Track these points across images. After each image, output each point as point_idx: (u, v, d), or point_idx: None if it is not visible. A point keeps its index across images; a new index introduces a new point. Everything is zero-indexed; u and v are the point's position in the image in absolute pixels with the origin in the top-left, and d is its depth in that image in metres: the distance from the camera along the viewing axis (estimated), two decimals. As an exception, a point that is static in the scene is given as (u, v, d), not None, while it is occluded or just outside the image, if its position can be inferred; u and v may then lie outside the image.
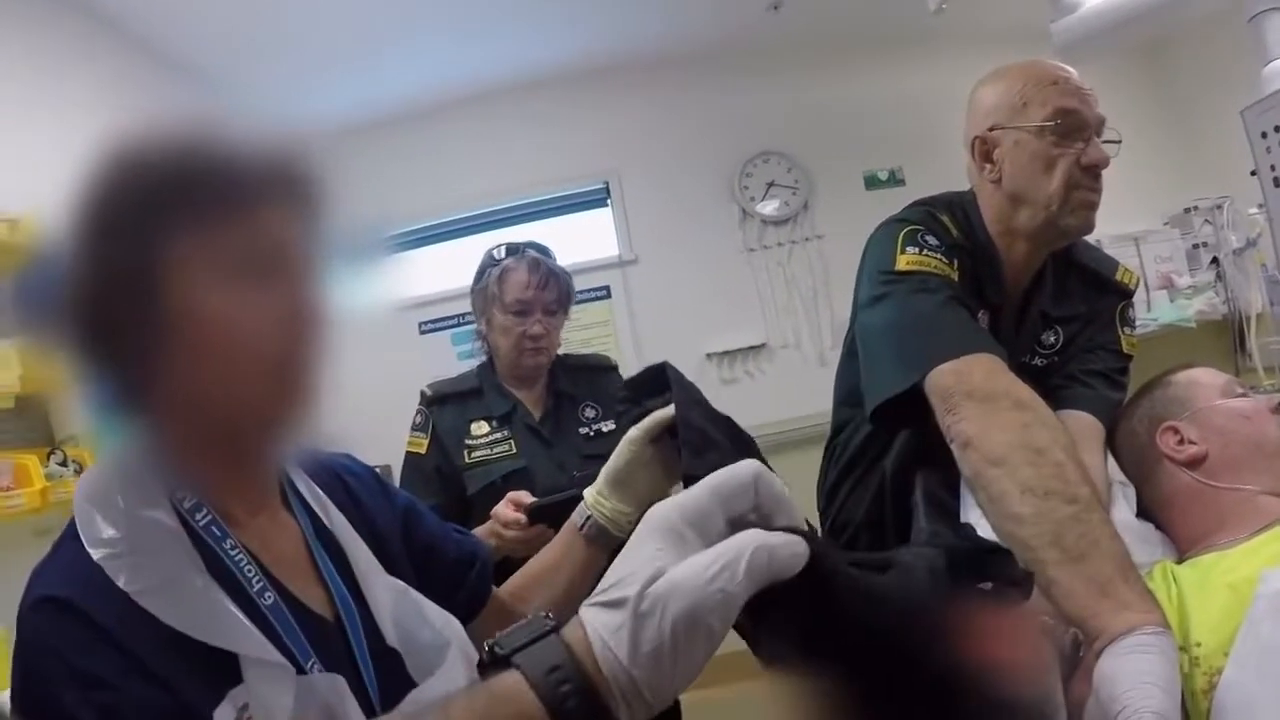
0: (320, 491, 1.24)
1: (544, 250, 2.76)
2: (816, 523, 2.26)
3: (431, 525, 1.43)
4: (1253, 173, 2.10)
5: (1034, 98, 1.84)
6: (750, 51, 5.81)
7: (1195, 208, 5.02)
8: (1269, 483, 1.63)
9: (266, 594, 1.03)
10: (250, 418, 1.02)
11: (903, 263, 1.84)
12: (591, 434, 2.74)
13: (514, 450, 2.63)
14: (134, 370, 0.97)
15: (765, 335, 5.76)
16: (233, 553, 1.03)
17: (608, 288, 5.74)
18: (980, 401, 1.59)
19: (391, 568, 1.23)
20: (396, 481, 2.56)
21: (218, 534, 1.03)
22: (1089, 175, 1.83)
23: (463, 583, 1.39)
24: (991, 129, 1.90)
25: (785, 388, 5.55)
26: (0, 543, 2.74)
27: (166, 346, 0.96)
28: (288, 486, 1.21)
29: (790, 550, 0.68)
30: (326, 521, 1.21)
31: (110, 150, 0.98)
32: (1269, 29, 2.07)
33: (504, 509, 2.21)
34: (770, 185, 5.86)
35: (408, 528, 1.36)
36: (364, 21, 4.68)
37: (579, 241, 5.78)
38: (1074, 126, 1.81)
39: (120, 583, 0.92)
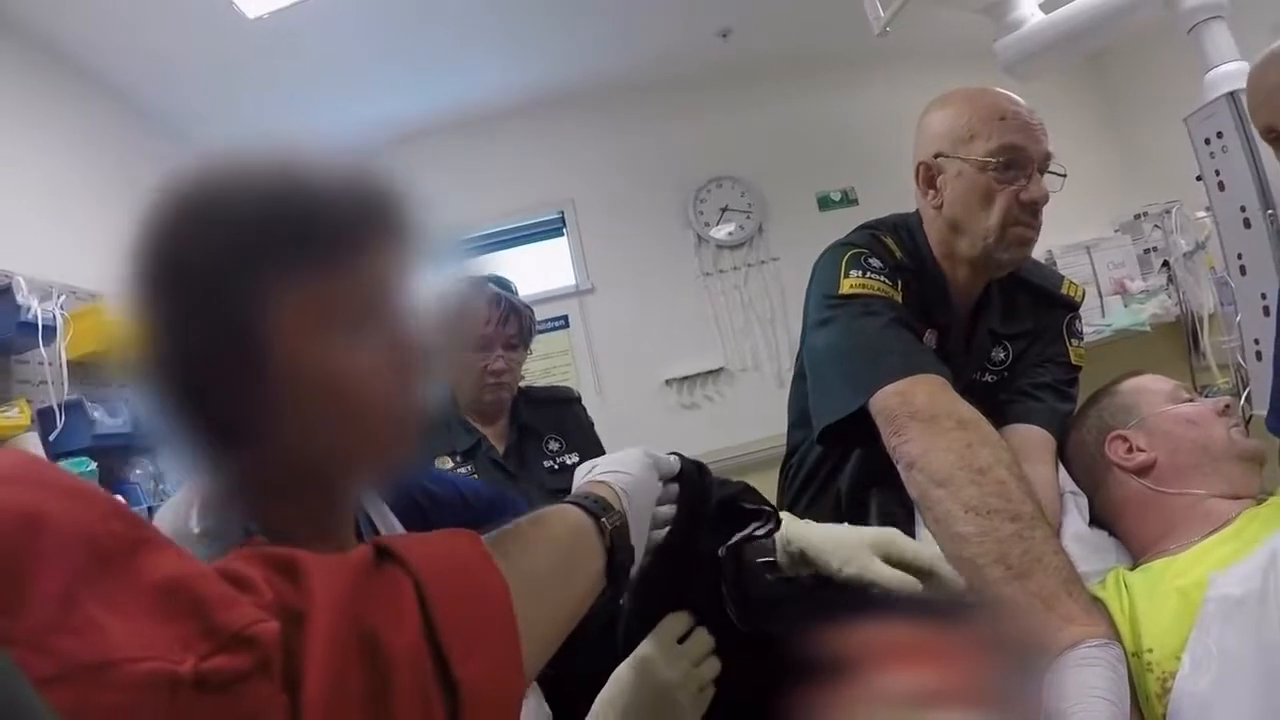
0: (394, 520, 1.25)
1: (504, 284, 2.72)
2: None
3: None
4: (1198, 178, 2.12)
5: (980, 131, 1.84)
6: (700, 78, 5.82)
7: (1145, 214, 5.05)
8: (1217, 486, 1.65)
9: None
10: (350, 463, 1.00)
11: (846, 287, 1.86)
12: (556, 467, 2.69)
13: (474, 474, 2.57)
14: (229, 414, 0.93)
15: (724, 359, 5.75)
16: None
17: (566, 317, 5.72)
18: (924, 422, 1.61)
19: None
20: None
21: None
22: (1027, 211, 1.85)
23: None
24: (936, 156, 1.91)
25: (745, 411, 5.53)
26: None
27: (268, 396, 0.92)
28: (362, 520, 1.20)
29: (670, 460, 1.20)
30: None
31: (196, 199, 0.93)
32: (1207, 38, 2.10)
33: None
34: (724, 210, 5.86)
35: None
36: (315, 62, 4.68)
37: (536, 272, 5.77)
38: (1017, 163, 1.82)
39: None
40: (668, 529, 1.19)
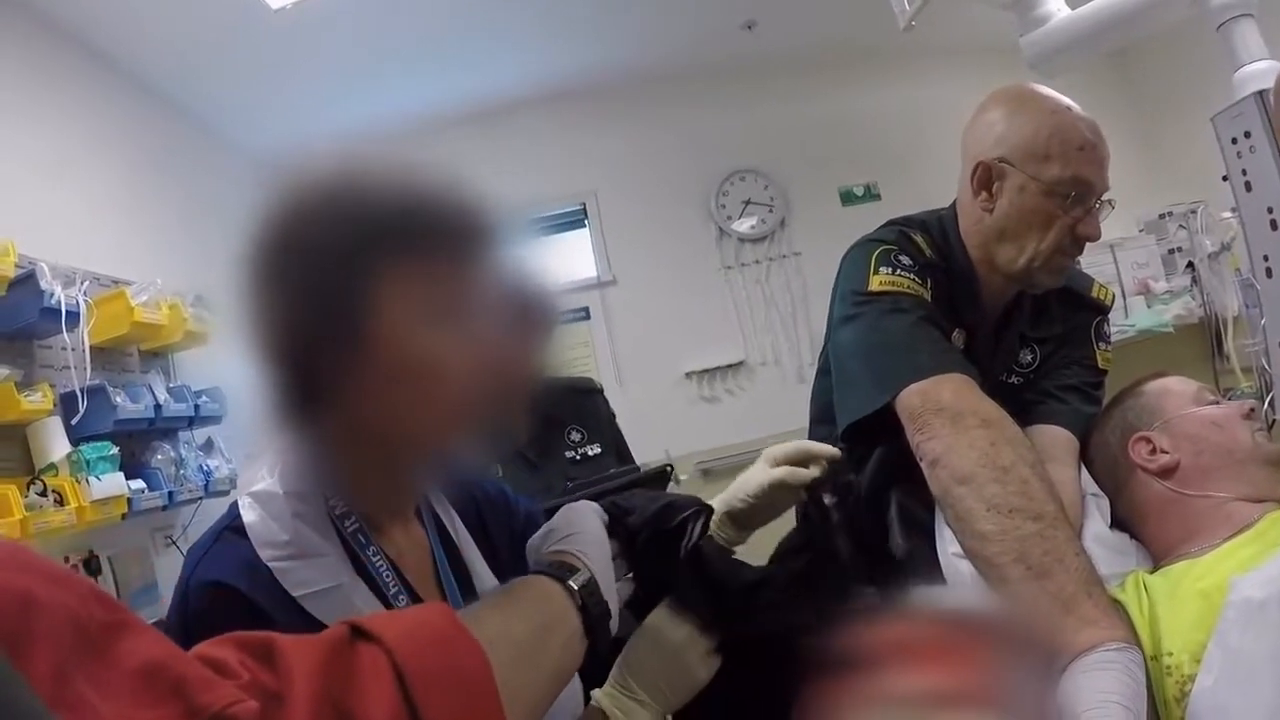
0: (450, 508, 1.33)
1: None
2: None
3: None
4: (1224, 178, 2.10)
5: (1057, 155, 1.78)
6: (725, 71, 5.82)
7: (1170, 214, 5.02)
8: (1241, 489, 1.64)
9: (401, 598, 1.13)
10: (425, 447, 1.10)
11: (875, 283, 1.84)
12: (577, 457, 2.66)
13: (499, 474, 2.54)
14: (323, 390, 1.02)
15: (744, 353, 5.77)
16: (374, 559, 1.13)
17: (586, 309, 5.73)
18: (948, 420, 1.60)
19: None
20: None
21: (363, 541, 1.13)
22: (1076, 244, 1.83)
23: None
24: (1000, 160, 1.85)
25: (765, 405, 5.54)
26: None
27: (364, 375, 1.01)
28: (423, 504, 1.29)
29: (603, 511, 1.26)
30: (454, 535, 1.29)
31: (325, 187, 1.03)
32: (1237, 35, 2.06)
33: None
34: (747, 203, 5.87)
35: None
36: (337, 52, 4.70)
37: (557, 263, 5.74)
38: (1083, 197, 1.79)
39: (289, 585, 1.04)
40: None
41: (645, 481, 2.19)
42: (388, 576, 1.13)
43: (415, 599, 1.15)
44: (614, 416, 2.88)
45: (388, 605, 1.10)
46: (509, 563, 1.34)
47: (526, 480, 2.56)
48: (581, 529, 1.18)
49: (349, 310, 1.00)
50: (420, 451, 1.11)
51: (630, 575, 1.26)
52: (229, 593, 1.02)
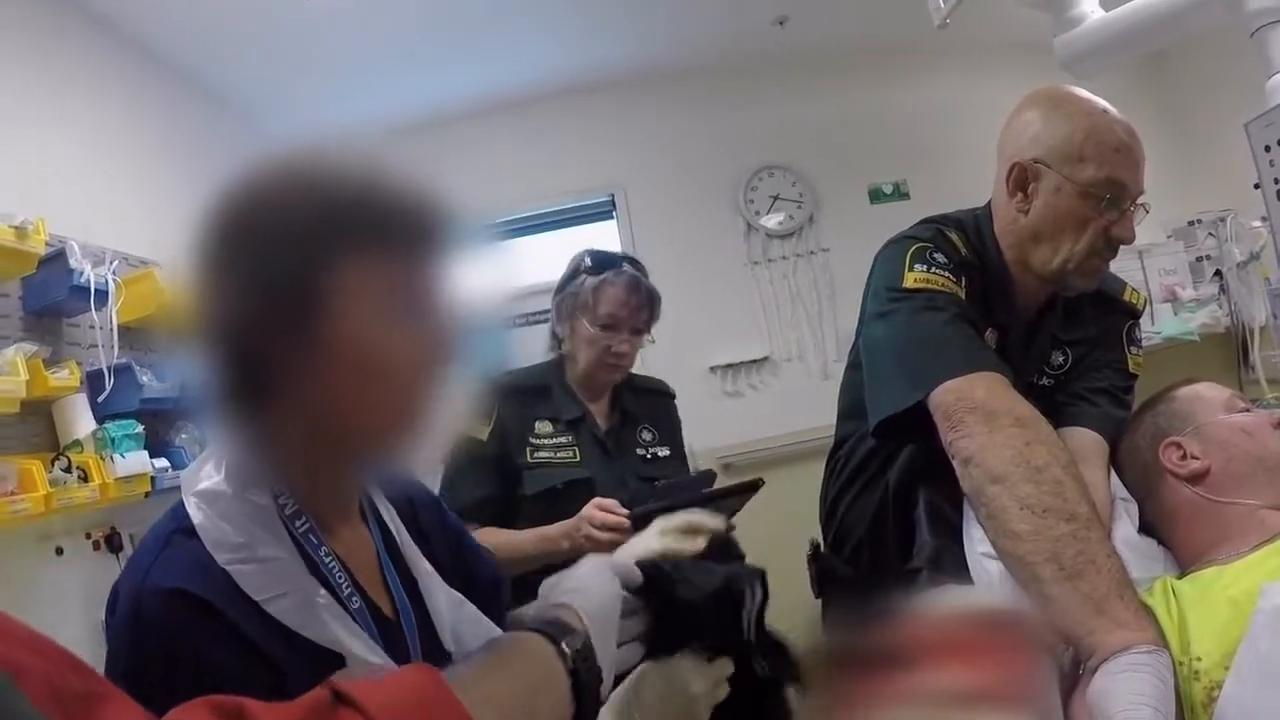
0: (392, 509, 1.34)
1: (639, 266, 2.75)
2: (819, 536, 2.26)
3: (471, 547, 1.51)
4: (1256, 185, 2.09)
5: (1093, 156, 1.78)
6: (755, 66, 5.81)
7: (1199, 221, 4.98)
8: (1271, 497, 1.63)
9: (354, 598, 1.13)
10: (371, 439, 1.09)
11: (910, 280, 1.84)
12: (648, 456, 2.74)
13: (578, 458, 2.60)
14: (271, 381, 1.02)
15: (769, 348, 5.74)
16: (326, 560, 1.12)
17: (613, 299, 5.70)
18: (982, 419, 1.60)
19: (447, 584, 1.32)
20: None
21: (315, 542, 1.12)
22: (1110, 246, 1.83)
23: (495, 601, 1.45)
24: (1036, 161, 1.85)
25: (789, 401, 5.53)
26: (4, 547, 2.79)
27: (312, 365, 1.01)
28: (365, 502, 1.29)
29: (626, 570, 1.24)
30: (396, 536, 1.30)
31: (289, 171, 1.04)
32: (1273, 42, 2.05)
33: (598, 513, 2.24)
34: (775, 199, 5.85)
35: (457, 553, 1.45)
36: (370, 39, 4.70)
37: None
38: (1117, 199, 1.79)
39: (250, 590, 1.02)
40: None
41: (735, 492, 2.23)
42: (340, 578, 1.12)
43: (366, 600, 1.15)
44: (680, 424, 2.96)
45: (343, 606, 1.09)
46: (446, 561, 1.37)
47: (603, 469, 2.59)
48: (591, 586, 1.17)
49: (305, 299, 1.00)
50: (370, 447, 1.10)
51: (639, 639, 1.24)
52: (190, 599, 0.99)
